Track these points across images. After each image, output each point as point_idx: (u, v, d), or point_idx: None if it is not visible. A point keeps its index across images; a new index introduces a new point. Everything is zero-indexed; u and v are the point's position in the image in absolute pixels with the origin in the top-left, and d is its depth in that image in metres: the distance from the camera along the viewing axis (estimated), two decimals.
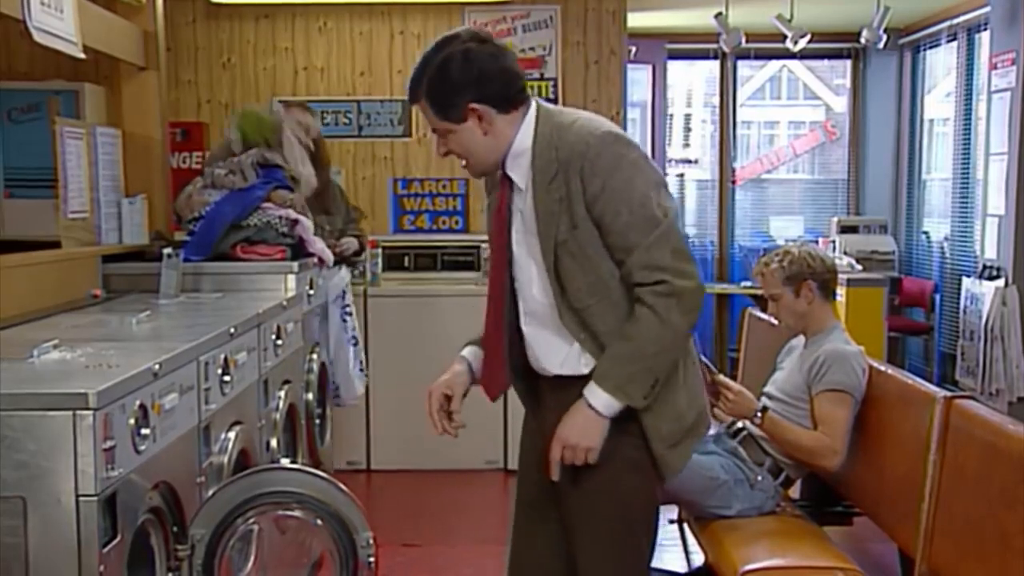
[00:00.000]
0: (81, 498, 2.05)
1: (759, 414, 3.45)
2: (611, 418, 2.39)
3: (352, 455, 5.90)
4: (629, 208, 2.35)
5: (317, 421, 4.38)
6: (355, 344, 4.94)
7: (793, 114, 10.49)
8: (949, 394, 2.95)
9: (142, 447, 2.27)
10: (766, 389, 3.63)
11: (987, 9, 6.69)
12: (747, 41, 7.58)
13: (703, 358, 3.51)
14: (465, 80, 2.35)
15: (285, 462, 3.80)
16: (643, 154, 2.43)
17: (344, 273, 4.95)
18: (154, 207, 4.58)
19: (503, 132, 2.41)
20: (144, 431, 2.29)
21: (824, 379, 3.40)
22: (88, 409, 2.05)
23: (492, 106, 2.38)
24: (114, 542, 2.14)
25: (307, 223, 4.39)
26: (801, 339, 3.68)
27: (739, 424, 3.64)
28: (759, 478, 3.48)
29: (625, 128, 6.59)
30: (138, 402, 2.26)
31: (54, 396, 2.08)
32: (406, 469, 5.91)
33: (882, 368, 3.46)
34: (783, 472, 3.51)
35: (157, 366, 2.38)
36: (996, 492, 2.60)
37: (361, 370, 5.05)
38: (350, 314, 4.90)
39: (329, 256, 4.58)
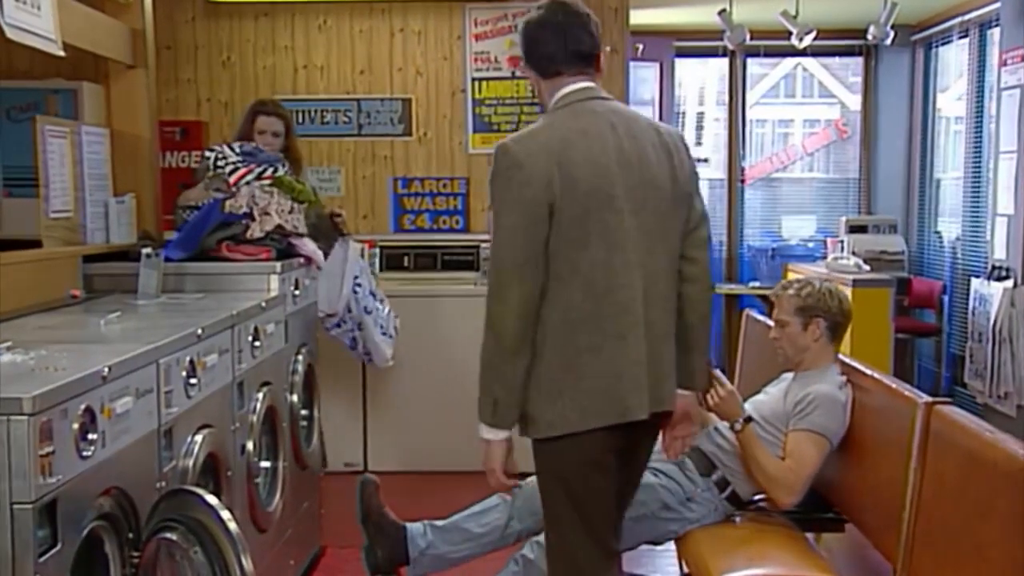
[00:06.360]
0: (15, 506, 1.99)
1: (741, 421, 3.38)
2: (498, 440, 2.74)
3: (349, 456, 5.87)
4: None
5: (304, 423, 4.32)
6: (368, 313, 4.92)
7: (808, 112, 10.37)
8: (931, 399, 2.87)
9: (87, 452, 2.21)
10: (744, 405, 3.55)
11: (998, 5, 6.58)
12: (757, 38, 7.51)
13: None
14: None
15: (264, 464, 3.77)
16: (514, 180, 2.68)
17: (353, 247, 4.90)
18: (143, 207, 4.54)
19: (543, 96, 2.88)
20: (91, 436, 2.23)
21: (808, 418, 3.34)
22: (22, 415, 1.99)
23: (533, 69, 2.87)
24: (53, 551, 2.08)
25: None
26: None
27: None
28: (698, 490, 3.42)
29: None
30: (83, 406, 2.20)
31: None
32: (404, 471, 5.86)
33: (867, 372, 3.38)
34: (730, 486, 3.46)
35: (106, 369, 2.32)
36: (972, 502, 2.52)
37: (384, 333, 5.01)
38: (359, 285, 4.86)
39: (320, 257, 4.53)
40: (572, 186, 2.65)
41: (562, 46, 2.78)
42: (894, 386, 3.16)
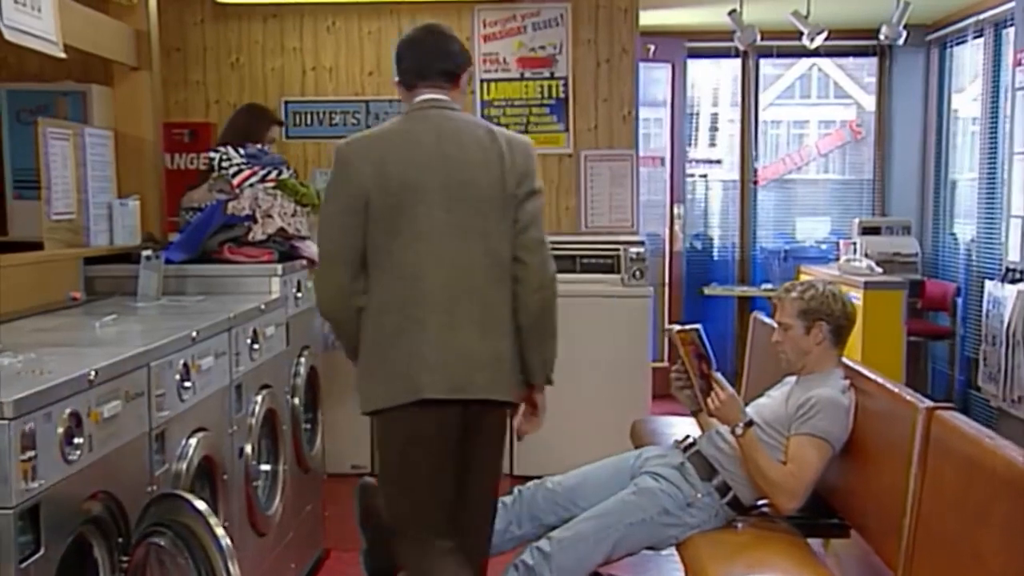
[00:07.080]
0: None
1: (742, 426, 3.33)
2: None
3: (356, 459, 5.83)
4: None
5: (307, 426, 4.30)
6: None
7: (823, 113, 10.29)
8: (932, 405, 2.83)
9: (73, 457, 2.19)
10: (746, 409, 3.51)
11: (1013, 4, 6.50)
12: (770, 39, 7.45)
13: (709, 352, 3.44)
14: None
15: (264, 467, 3.75)
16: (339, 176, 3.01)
17: None
18: (147, 208, 4.53)
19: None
20: (77, 440, 2.21)
21: (810, 422, 3.29)
22: (3, 419, 1.97)
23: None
24: (36, 555, 2.06)
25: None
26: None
27: (690, 439, 3.55)
28: (699, 495, 3.37)
29: (637, 128, 6.47)
30: (69, 410, 2.18)
31: None
32: None
33: (870, 376, 3.34)
34: (731, 491, 3.41)
35: (93, 373, 2.30)
36: (972, 508, 2.47)
37: None
38: None
39: None
40: (386, 181, 2.93)
41: (424, 63, 3.06)
42: (896, 390, 3.11)
